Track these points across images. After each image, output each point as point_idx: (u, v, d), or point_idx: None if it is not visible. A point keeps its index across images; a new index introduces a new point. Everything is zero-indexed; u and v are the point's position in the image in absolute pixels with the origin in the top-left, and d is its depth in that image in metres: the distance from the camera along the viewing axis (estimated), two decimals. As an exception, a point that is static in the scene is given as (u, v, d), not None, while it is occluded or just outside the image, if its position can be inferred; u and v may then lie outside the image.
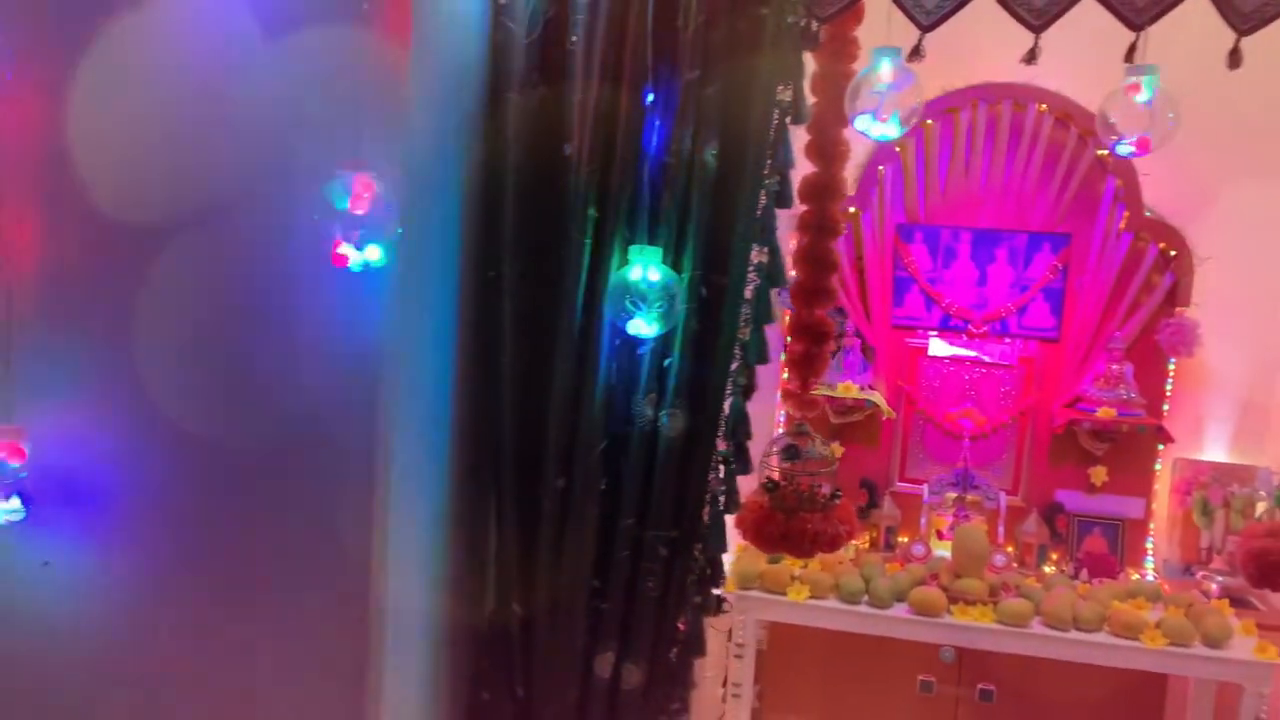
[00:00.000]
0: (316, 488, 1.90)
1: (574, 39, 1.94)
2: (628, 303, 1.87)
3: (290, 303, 1.87)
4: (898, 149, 3.46)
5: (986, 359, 3.48)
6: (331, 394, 1.87)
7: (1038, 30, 1.95)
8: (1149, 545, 3.43)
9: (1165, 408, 3.39)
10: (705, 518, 2.07)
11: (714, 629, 3.39)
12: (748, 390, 2.07)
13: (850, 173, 3.50)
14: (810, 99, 2.15)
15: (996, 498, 3.37)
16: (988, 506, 3.38)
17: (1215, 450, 3.41)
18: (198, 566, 1.99)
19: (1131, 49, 1.92)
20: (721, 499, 2.08)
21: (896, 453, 3.57)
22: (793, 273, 2.45)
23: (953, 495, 3.39)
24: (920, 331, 3.53)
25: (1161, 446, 3.39)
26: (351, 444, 1.85)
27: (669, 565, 2.05)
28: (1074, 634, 2.89)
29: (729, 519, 2.32)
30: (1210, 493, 3.31)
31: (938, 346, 3.52)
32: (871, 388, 3.48)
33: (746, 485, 2.31)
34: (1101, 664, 2.95)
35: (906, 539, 3.44)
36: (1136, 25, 1.89)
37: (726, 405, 2.03)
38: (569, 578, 2.03)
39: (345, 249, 1.65)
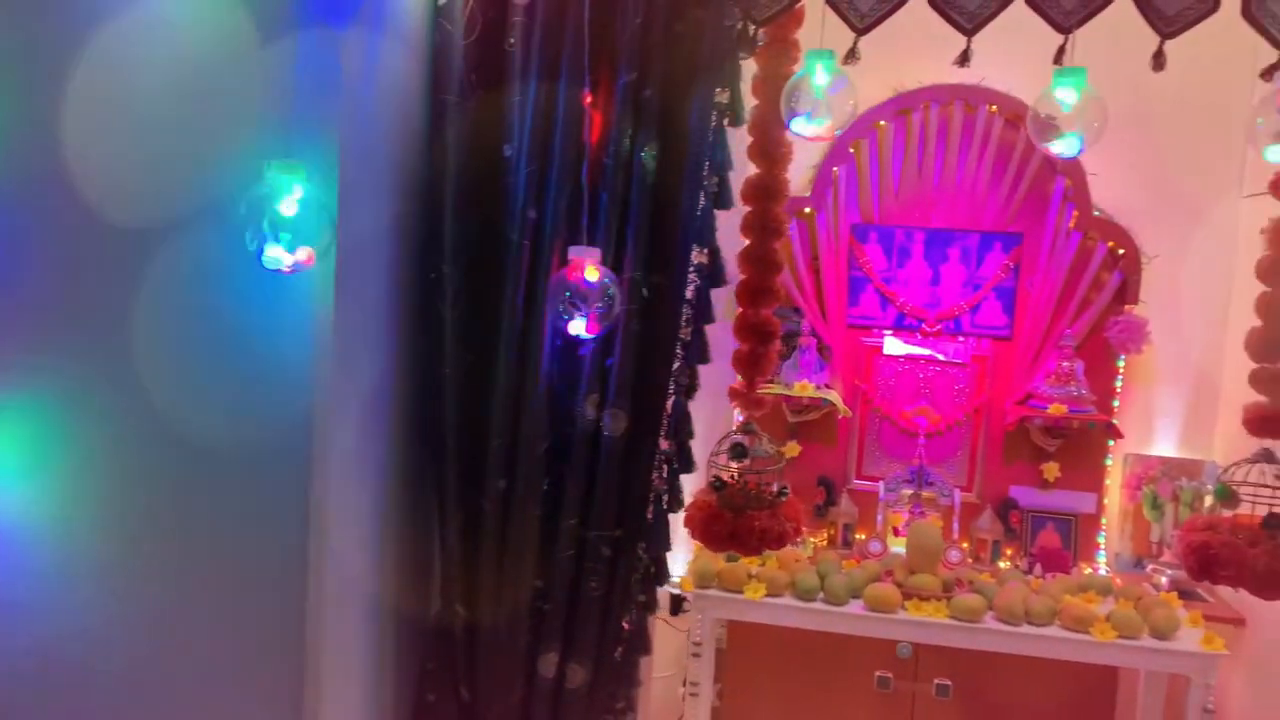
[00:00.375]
0: (250, 492, 1.88)
1: (512, 41, 1.95)
2: (567, 303, 1.88)
3: (219, 304, 1.86)
4: (851, 150, 3.49)
5: (941, 357, 3.52)
6: (264, 396, 1.85)
7: (969, 33, 1.98)
8: (1101, 539, 3.48)
9: (1115, 404, 3.43)
10: (649, 517, 2.08)
11: (674, 628, 3.42)
12: (690, 390, 2.08)
13: (805, 174, 3.56)
14: (752, 101, 2.17)
15: (951, 494, 3.41)
16: (943, 503, 3.41)
17: (1164, 445, 3.46)
18: (129, 570, 1.97)
19: (1060, 51, 1.95)
20: (665, 498, 2.09)
21: (854, 451, 3.60)
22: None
23: (908, 492, 3.42)
24: (876, 330, 3.56)
25: (1112, 442, 3.44)
26: (286, 446, 1.84)
27: (612, 565, 2.06)
28: (1026, 628, 2.92)
29: (679, 518, 2.33)
30: (1159, 487, 3.36)
31: (893, 345, 3.55)
32: (828, 386, 3.51)
33: (695, 485, 2.32)
34: (1054, 657, 2.99)
35: (864, 536, 3.47)
36: (1065, 28, 1.92)
37: (669, 405, 2.05)
38: (512, 578, 2.03)
39: (275, 250, 1.64)
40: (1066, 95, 1.95)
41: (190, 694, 1.98)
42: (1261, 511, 2.15)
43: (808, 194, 3.52)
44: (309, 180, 1.67)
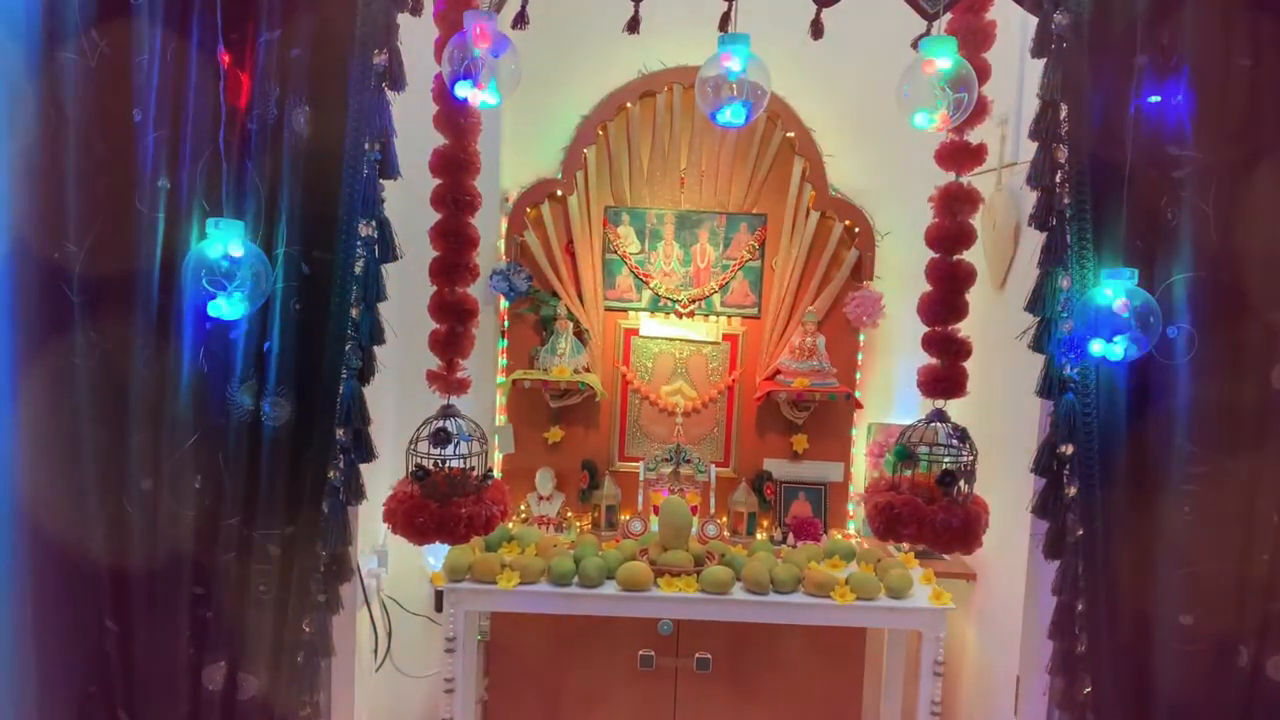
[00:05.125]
0: None
1: (137, -7, 1.79)
2: (206, 282, 1.74)
3: None
4: (601, 132, 3.48)
5: (695, 337, 3.57)
6: None
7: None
8: (850, 507, 3.62)
9: (858, 376, 3.58)
10: (325, 511, 1.96)
11: (441, 625, 3.31)
12: (363, 373, 1.97)
13: (556, 155, 3.52)
14: (434, 68, 2.08)
15: (708, 470, 3.46)
16: (700, 479, 3.46)
17: (904, 413, 3.63)
18: None
19: (725, 18, 1.97)
20: (342, 490, 1.98)
21: (616, 432, 3.60)
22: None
23: (668, 470, 3.45)
24: (632, 312, 3.57)
25: (856, 413, 3.59)
26: None
27: (285, 564, 1.93)
28: (773, 596, 2.98)
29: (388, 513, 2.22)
30: (900, 453, 3.52)
31: (649, 326, 3.57)
32: (587, 369, 3.49)
33: (392, 475, 2.22)
34: (799, 623, 3.08)
35: (628, 516, 3.48)
36: (729, -8, 1.94)
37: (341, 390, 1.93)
38: (165, 586, 1.87)
39: None
40: (732, 63, 1.97)
41: None
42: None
43: (559, 176, 3.48)
44: None
